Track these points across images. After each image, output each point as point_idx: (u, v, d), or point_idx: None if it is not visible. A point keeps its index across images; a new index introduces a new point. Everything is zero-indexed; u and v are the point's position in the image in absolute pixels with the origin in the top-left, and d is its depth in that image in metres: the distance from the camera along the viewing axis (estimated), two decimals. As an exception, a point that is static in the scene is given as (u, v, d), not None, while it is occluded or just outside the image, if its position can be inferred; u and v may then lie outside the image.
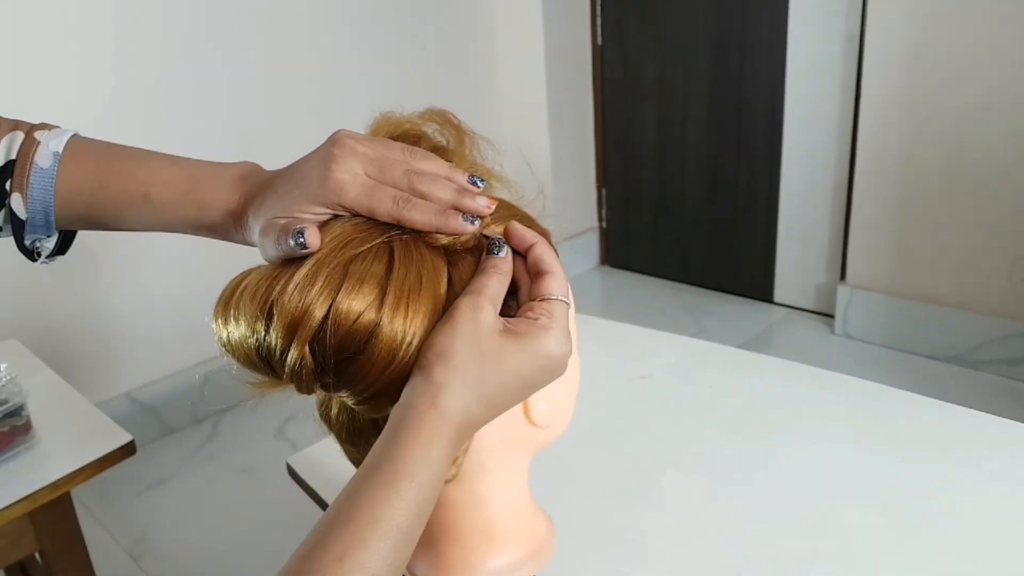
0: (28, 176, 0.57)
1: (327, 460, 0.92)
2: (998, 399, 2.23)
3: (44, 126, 0.60)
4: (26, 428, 1.09)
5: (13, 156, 0.58)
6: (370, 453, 0.46)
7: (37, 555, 1.19)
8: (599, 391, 0.96)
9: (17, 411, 1.08)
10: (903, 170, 2.37)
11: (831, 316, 2.68)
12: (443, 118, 0.59)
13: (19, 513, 1.02)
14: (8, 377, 1.08)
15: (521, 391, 0.50)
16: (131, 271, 2.19)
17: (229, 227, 0.57)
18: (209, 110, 2.23)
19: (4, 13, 1.85)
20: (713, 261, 3.01)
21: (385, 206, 0.51)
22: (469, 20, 2.82)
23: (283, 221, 0.51)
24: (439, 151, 0.57)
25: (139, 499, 2.06)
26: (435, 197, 0.52)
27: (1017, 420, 0.87)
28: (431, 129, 0.59)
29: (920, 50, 2.24)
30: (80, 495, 1.90)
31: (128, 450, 1.11)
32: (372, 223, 0.52)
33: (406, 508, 0.44)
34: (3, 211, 0.59)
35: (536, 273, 0.53)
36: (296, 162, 0.55)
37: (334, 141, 0.53)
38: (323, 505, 0.87)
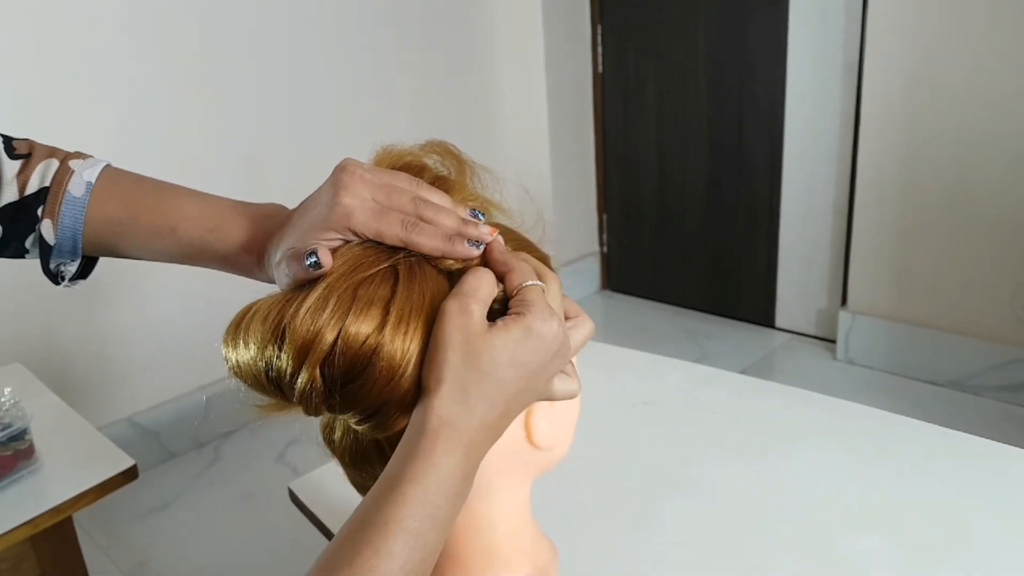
0: (60, 204, 0.60)
1: (329, 485, 0.92)
2: (999, 425, 2.23)
3: (79, 155, 0.62)
4: (29, 452, 1.09)
5: (47, 183, 0.60)
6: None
7: (37, 580, 1.18)
8: (602, 416, 0.96)
9: (20, 435, 1.08)
10: (903, 195, 2.38)
11: (832, 341, 2.68)
12: (444, 149, 0.61)
13: (21, 537, 1.02)
14: (12, 401, 1.08)
15: (524, 379, 0.50)
16: (133, 296, 2.19)
17: (252, 265, 0.59)
18: (215, 134, 2.24)
19: (13, 33, 1.87)
20: (714, 286, 3.02)
21: (393, 229, 0.52)
22: (472, 49, 2.85)
23: (296, 248, 0.52)
24: (441, 181, 0.59)
25: (140, 524, 2.05)
26: (441, 224, 0.53)
27: (1018, 446, 0.87)
28: (432, 160, 0.60)
29: (919, 77, 2.26)
30: (81, 519, 1.90)
31: (130, 475, 1.11)
32: (380, 248, 0.53)
33: (413, 510, 0.45)
34: (33, 235, 0.61)
35: (500, 277, 0.53)
36: (309, 196, 0.57)
37: (342, 168, 0.54)
38: (324, 530, 0.87)
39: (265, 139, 2.35)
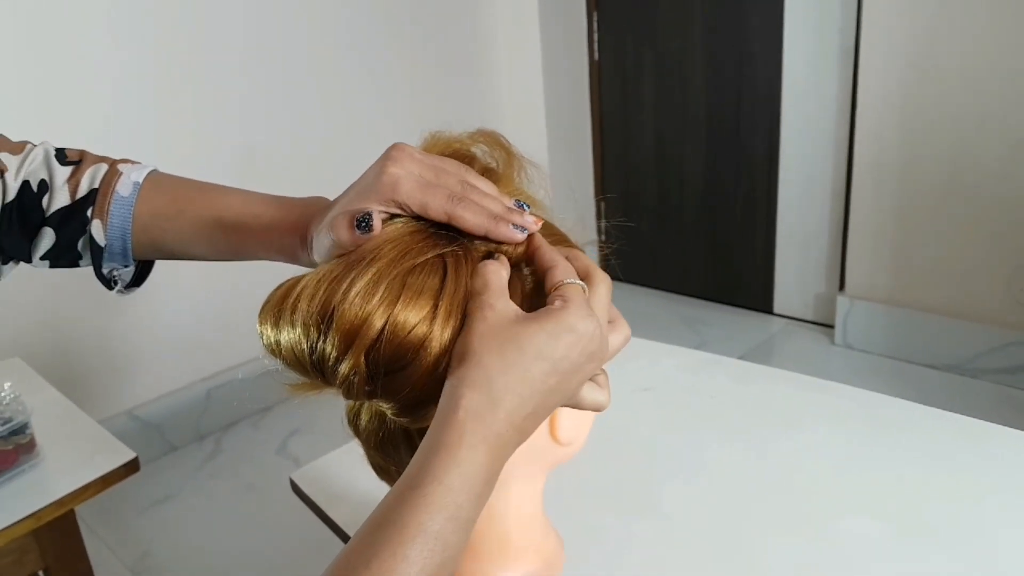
0: (109, 204, 0.61)
1: (330, 475, 0.92)
2: (997, 407, 2.24)
3: (127, 160, 0.64)
4: (31, 446, 1.09)
5: (96, 185, 0.62)
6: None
7: (41, 573, 1.19)
8: (601, 403, 0.96)
9: (21, 429, 1.08)
10: (901, 180, 2.38)
11: (831, 326, 2.69)
12: (493, 140, 0.60)
13: (24, 531, 1.02)
14: (12, 396, 1.08)
15: (555, 377, 0.48)
16: (133, 289, 2.19)
17: (296, 248, 0.59)
18: (207, 133, 2.24)
19: (3, 29, 1.86)
20: (713, 273, 3.02)
21: (439, 201, 0.52)
22: (469, 38, 2.84)
23: (348, 210, 0.52)
24: (488, 173, 0.58)
25: (142, 516, 2.06)
26: (486, 206, 0.53)
27: (1017, 428, 0.87)
28: (480, 151, 0.60)
29: (915, 61, 2.25)
30: (83, 513, 1.90)
31: (132, 467, 1.11)
32: (427, 233, 0.52)
33: (435, 511, 0.43)
34: (84, 238, 0.62)
35: (542, 273, 0.52)
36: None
37: (392, 147, 0.55)
38: (327, 520, 0.88)
39: (259, 137, 2.34)
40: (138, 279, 0.67)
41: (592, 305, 0.51)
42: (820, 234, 2.68)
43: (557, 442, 0.59)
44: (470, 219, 0.52)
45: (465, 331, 0.48)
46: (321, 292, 0.49)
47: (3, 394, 1.08)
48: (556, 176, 3.05)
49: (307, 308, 0.49)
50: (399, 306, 0.48)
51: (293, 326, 0.50)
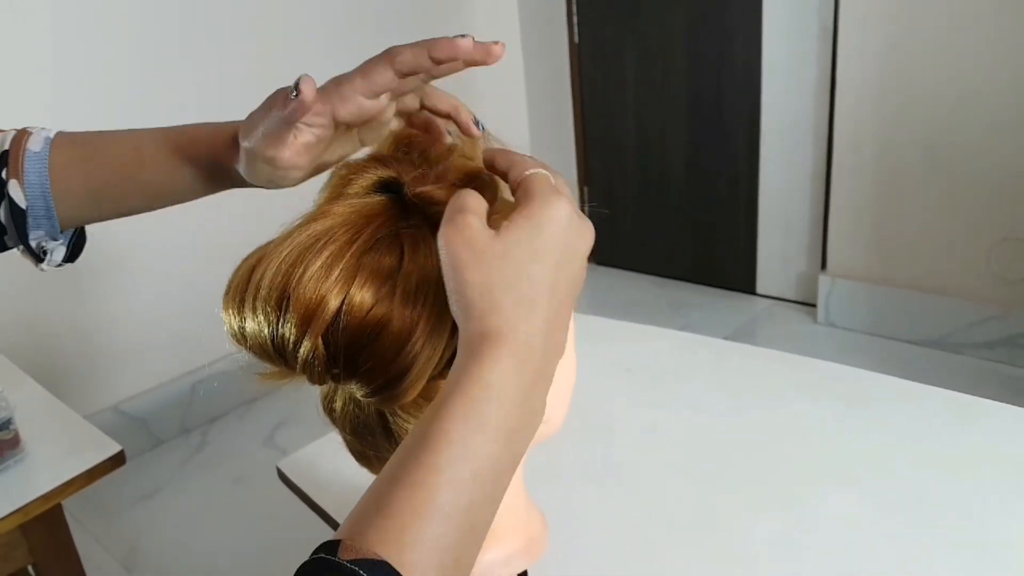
0: (22, 161, 0.58)
1: (317, 463, 0.92)
2: (978, 381, 2.26)
3: (33, 128, 0.61)
4: (14, 442, 1.09)
5: (6, 147, 0.59)
6: None
7: (30, 568, 1.18)
8: (587, 385, 0.97)
9: (5, 425, 1.07)
10: (880, 159, 2.39)
11: (813, 305, 2.71)
12: None
13: (11, 526, 1.02)
14: (-5, 391, 1.08)
15: (555, 270, 0.46)
16: (114, 284, 2.18)
17: (228, 159, 0.58)
18: (192, 110, 2.22)
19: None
20: (696, 255, 3.03)
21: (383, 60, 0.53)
22: (446, 20, 2.83)
23: (278, 90, 0.53)
24: (456, 152, 0.58)
25: (130, 511, 2.05)
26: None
27: (998, 401, 0.88)
28: (449, 130, 0.60)
29: (894, 39, 2.26)
30: (71, 508, 1.90)
31: (118, 460, 1.11)
32: (382, 211, 0.52)
33: (456, 422, 0.42)
34: (3, 204, 0.58)
35: (503, 178, 0.52)
36: None
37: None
38: (314, 507, 0.88)
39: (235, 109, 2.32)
40: (71, 255, 0.63)
41: (558, 187, 0.50)
42: (801, 214, 2.70)
43: None
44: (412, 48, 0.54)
45: (446, 252, 0.47)
46: (280, 276, 0.49)
47: (-15, 390, 1.07)
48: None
49: (266, 293, 0.49)
50: (355, 286, 0.49)
51: (254, 312, 0.50)
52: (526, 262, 0.45)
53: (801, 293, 2.78)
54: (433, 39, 0.52)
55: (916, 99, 2.28)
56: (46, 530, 1.12)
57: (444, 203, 0.50)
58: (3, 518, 1.00)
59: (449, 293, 0.47)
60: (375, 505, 0.40)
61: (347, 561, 0.37)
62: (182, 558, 1.88)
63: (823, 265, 2.68)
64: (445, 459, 0.40)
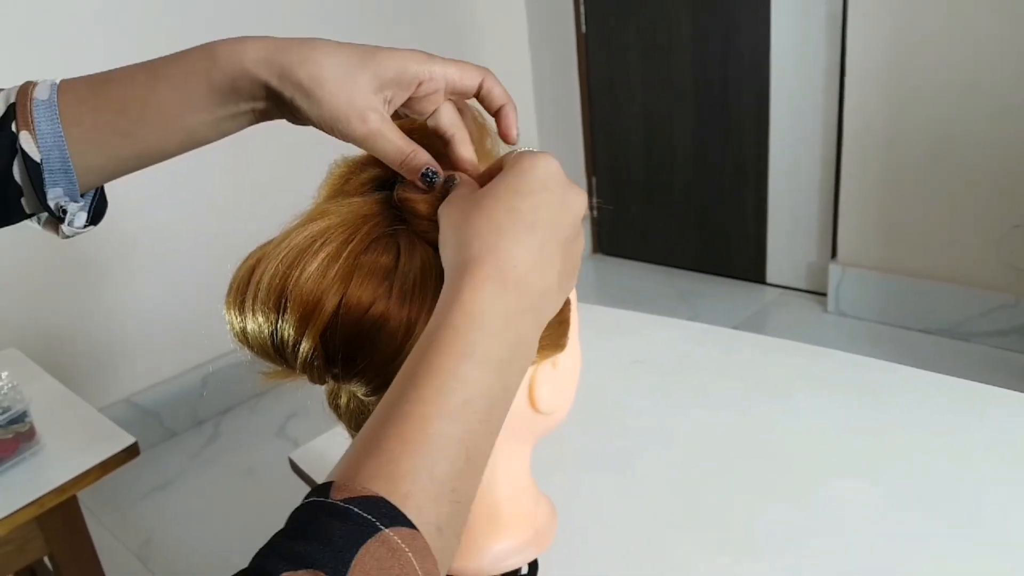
0: (31, 111, 0.54)
1: (329, 454, 0.93)
2: (988, 370, 2.26)
3: (37, 80, 0.56)
4: (30, 434, 1.10)
5: (12, 100, 0.54)
6: None
7: (47, 560, 1.20)
8: (595, 376, 0.97)
9: (20, 418, 1.09)
10: (889, 147, 2.38)
11: (823, 295, 2.70)
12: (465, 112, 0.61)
13: (27, 518, 1.03)
14: (10, 385, 1.09)
15: (544, 210, 0.46)
16: (126, 277, 2.19)
17: (257, 71, 0.51)
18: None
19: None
20: (705, 245, 3.03)
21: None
22: (453, 11, 2.82)
23: (422, 154, 0.52)
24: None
25: (144, 503, 2.07)
26: None
27: (1008, 389, 0.88)
28: None
29: (903, 27, 2.25)
30: (85, 500, 1.91)
31: (132, 452, 1.12)
32: (378, 212, 0.53)
33: (444, 352, 0.41)
34: (17, 160, 0.54)
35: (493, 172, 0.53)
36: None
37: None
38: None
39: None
40: (93, 218, 0.59)
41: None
42: (811, 203, 2.69)
43: (537, 411, 0.59)
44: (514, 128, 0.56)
45: (444, 216, 0.48)
46: (278, 277, 0.50)
47: (1, 384, 1.08)
48: (546, 151, 3.04)
49: (265, 294, 0.50)
50: (352, 285, 0.49)
51: (254, 313, 0.51)
52: (508, 197, 0.46)
53: (811, 282, 2.78)
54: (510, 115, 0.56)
55: (926, 87, 2.26)
56: (62, 522, 1.14)
57: (424, 216, 0.51)
58: (19, 510, 1.01)
59: (441, 247, 0.47)
60: (364, 444, 0.39)
61: (340, 500, 0.35)
62: (195, 549, 1.89)
63: (833, 254, 2.67)
64: (433, 390, 0.40)
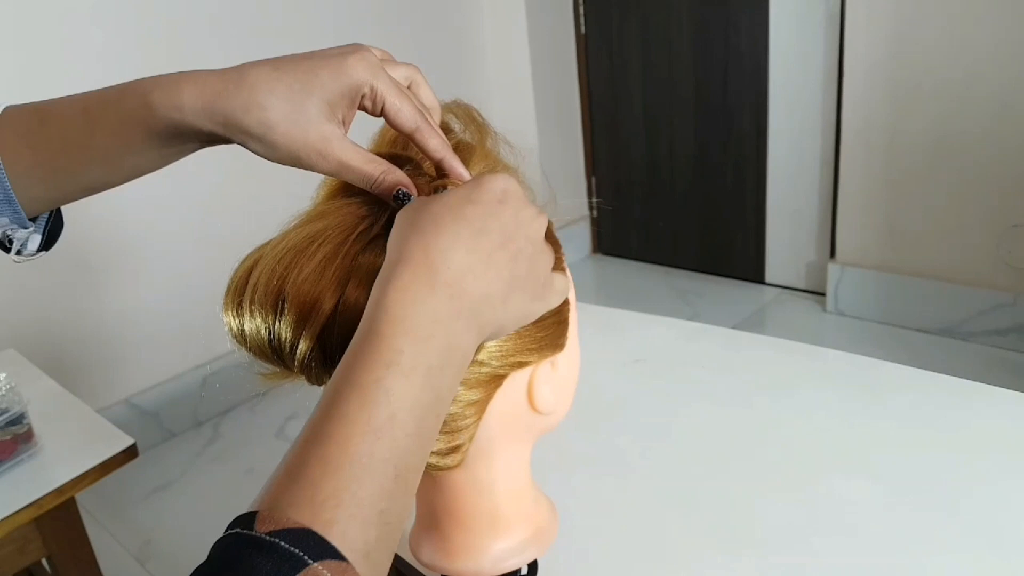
0: None
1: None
2: (989, 369, 2.26)
3: None
4: (28, 436, 1.10)
5: None
6: None
7: (45, 561, 1.20)
8: (595, 375, 0.97)
9: (19, 419, 1.08)
10: (889, 146, 2.38)
11: (822, 294, 2.70)
12: (467, 114, 0.60)
13: (25, 519, 1.03)
14: (8, 386, 1.08)
15: (495, 221, 0.45)
16: (124, 278, 2.19)
17: (198, 121, 0.48)
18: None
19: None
20: (704, 245, 3.03)
21: (411, 109, 0.50)
22: (453, 11, 2.82)
23: (391, 175, 0.49)
24: (461, 147, 0.58)
25: (143, 504, 2.07)
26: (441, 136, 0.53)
27: (1008, 388, 0.88)
28: (456, 124, 0.60)
29: (902, 25, 2.25)
30: (85, 502, 1.91)
31: (131, 453, 1.12)
32: (373, 211, 0.52)
33: (369, 363, 0.39)
34: None
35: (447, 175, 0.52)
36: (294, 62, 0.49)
37: (353, 44, 0.51)
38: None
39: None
40: (47, 243, 0.56)
41: None
42: (810, 202, 2.69)
43: (537, 411, 0.59)
44: (433, 142, 0.50)
45: (396, 221, 0.47)
46: (275, 278, 0.49)
47: (-1, 385, 1.08)
48: (546, 152, 3.05)
49: (263, 295, 0.50)
50: (350, 286, 0.49)
51: (252, 314, 0.50)
52: (458, 204, 0.44)
53: (810, 282, 2.78)
54: (430, 132, 0.51)
55: (925, 86, 2.26)
56: (60, 524, 1.13)
57: None
58: (18, 511, 1.01)
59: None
60: (288, 468, 0.37)
61: (265, 534, 0.34)
62: (195, 550, 1.88)
63: (832, 253, 2.67)
64: (357, 405, 0.38)
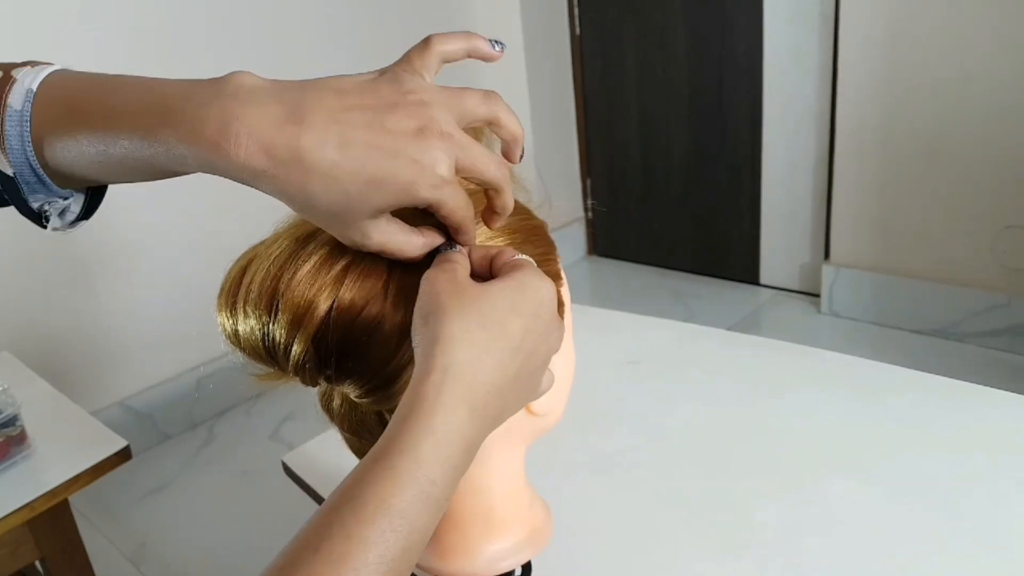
0: (3, 123, 0.47)
1: (323, 457, 0.93)
2: (983, 370, 2.26)
3: (30, 63, 0.49)
4: (21, 438, 1.09)
5: None
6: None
7: (38, 564, 1.19)
8: (590, 377, 0.97)
9: (11, 421, 1.08)
10: (883, 147, 2.39)
11: (817, 296, 2.70)
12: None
13: (18, 522, 1.02)
14: (1, 388, 1.08)
15: (532, 336, 0.45)
16: (119, 280, 2.18)
17: (232, 174, 0.44)
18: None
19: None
20: (699, 246, 3.03)
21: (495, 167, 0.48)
22: (447, 12, 2.82)
23: (430, 245, 0.48)
24: None
25: (138, 506, 2.06)
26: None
27: (1002, 389, 0.88)
28: None
29: (896, 26, 2.25)
30: (79, 505, 1.91)
31: (124, 455, 1.11)
32: None
33: (401, 487, 0.38)
34: None
35: (486, 263, 0.50)
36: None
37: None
38: (320, 501, 0.88)
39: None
40: (87, 211, 0.53)
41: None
42: (804, 204, 2.69)
43: (532, 413, 0.59)
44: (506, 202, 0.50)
45: (429, 286, 0.45)
46: (270, 279, 0.49)
47: (-8, 387, 1.08)
48: (541, 153, 3.05)
49: (257, 295, 0.49)
50: (345, 288, 0.48)
51: (246, 315, 0.50)
52: (505, 311, 0.44)
53: (805, 283, 2.78)
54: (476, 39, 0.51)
55: (919, 87, 2.27)
56: (54, 526, 1.13)
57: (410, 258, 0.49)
58: (11, 514, 1.01)
59: (417, 316, 0.45)
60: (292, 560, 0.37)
61: None
62: (190, 553, 1.88)
63: (826, 255, 2.67)
64: (379, 533, 0.37)
